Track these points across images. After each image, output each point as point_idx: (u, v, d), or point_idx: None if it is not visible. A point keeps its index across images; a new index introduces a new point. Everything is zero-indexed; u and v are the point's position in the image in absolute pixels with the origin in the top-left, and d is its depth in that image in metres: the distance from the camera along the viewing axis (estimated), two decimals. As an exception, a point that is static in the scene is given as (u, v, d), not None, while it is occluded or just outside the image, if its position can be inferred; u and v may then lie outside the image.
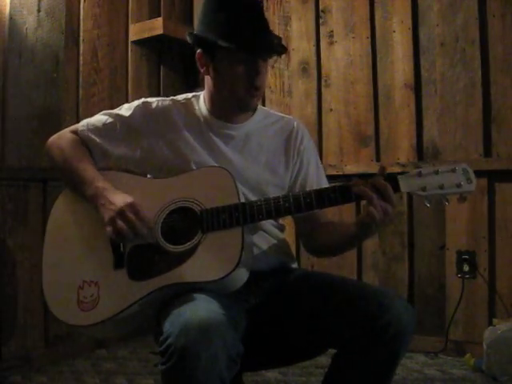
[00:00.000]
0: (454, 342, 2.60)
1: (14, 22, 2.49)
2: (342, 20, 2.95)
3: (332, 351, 1.36)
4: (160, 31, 3.05)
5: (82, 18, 2.81)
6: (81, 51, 2.81)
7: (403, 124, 2.78)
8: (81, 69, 2.81)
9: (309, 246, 1.56)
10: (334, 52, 2.98)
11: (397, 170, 2.71)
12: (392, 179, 1.26)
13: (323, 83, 3.00)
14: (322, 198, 1.28)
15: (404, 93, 2.78)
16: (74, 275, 1.33)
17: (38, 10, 2.60)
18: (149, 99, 1.50)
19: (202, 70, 1.45)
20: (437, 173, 1.24)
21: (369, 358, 1.24)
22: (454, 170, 1.23)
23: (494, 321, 2.40)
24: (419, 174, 1.25)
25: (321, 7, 3.02)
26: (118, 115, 1.48)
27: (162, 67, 3.30)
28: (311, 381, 2.29)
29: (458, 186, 1.22)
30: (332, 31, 2.98)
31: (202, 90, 1.54)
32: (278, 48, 1.42)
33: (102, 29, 2.92)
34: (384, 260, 2.80)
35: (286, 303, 1.39)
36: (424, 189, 1.24)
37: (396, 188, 1.25)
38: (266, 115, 1.55)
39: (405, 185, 1.25)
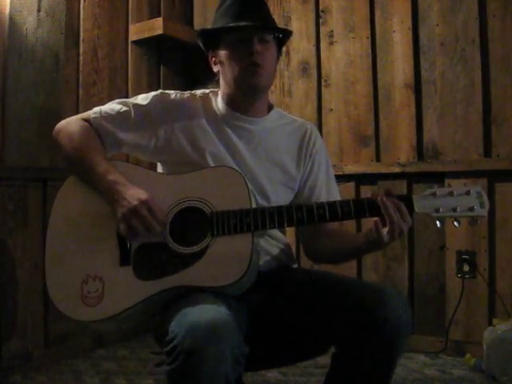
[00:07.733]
0: (454, 342, 2.60)
1: (13, 21, 2.49)
2: (341, 20, 2.95)
3: (333, 351, 1.36)
4: (160, 31, 3.05)
5: (82, 17, 2.81)
6: (81, 51, 2.81)
7: (403, 124, 2.78)
8: (81, 69, 2.81)
9: (309, 251, 1.54)
10: (334, 52, 2.98)
11: (397, 170, 2.72)
12: (406, 199, 1.25)
13: (323, 83, 3.00)
14: (336, 210, 1.27)
15: (404, 93, 2.78)
16: (78, 269, 1.31)
17: (38, 10, 2.60)
18: (167, 91, 1.50)
19: (215, 71, 1.48)
20: (451, 194, 1.23)
21: (368, 355, 1.23)
22: (468, 193, 1.23)
23: (494, 321, 2.39)
24: (434, 195, 1.24)
25: (321, 7, 3.02)
26: (133, 104, 1.47)
27: (161, 67, 3.30)
28: (311, 381, 2.29)
29: (471, 209, 1.22)
30: (332, 31, 2.98)
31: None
32: (271, 25, 1.44)
33: (102, 29, 2.92)
34: (384, 260, 2.80)
35: (286, 302, 1.39)
36: (438, 210, 1.23)
37: (410, 208, 1.24)
38: (281, 116, 1.56)
39: (419, 205, 1.24)
